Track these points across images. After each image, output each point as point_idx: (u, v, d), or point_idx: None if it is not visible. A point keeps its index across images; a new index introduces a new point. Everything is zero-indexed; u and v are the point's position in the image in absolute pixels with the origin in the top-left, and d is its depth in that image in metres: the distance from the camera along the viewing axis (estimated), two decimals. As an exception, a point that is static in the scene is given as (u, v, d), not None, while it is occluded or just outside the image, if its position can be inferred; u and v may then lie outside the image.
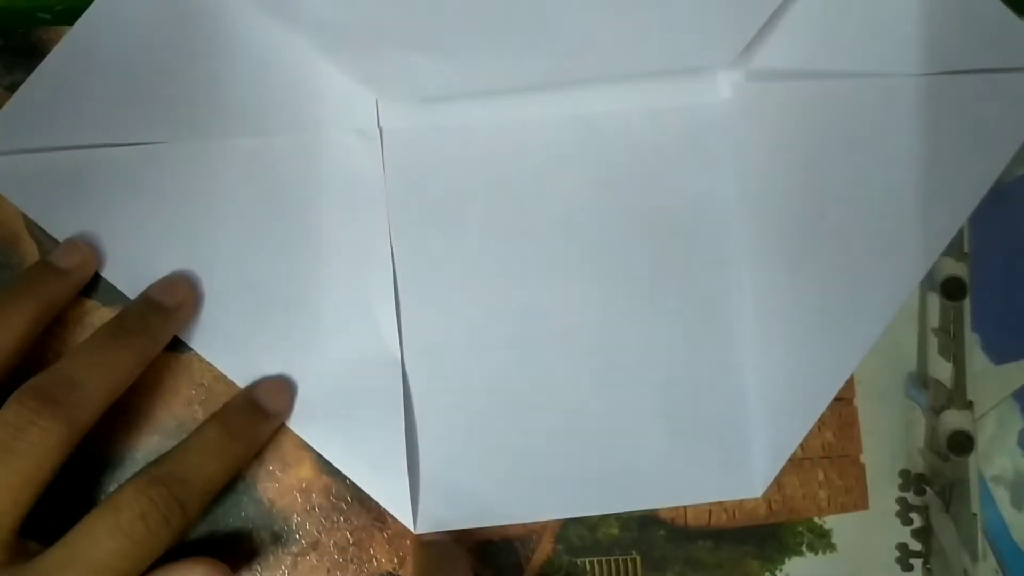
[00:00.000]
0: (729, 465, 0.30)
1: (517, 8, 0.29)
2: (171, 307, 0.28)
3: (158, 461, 0.26)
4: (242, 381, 0.30)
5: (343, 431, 0.29)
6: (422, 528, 0.30)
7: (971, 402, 0.31)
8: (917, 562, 0.30)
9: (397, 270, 0.30)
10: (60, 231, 0.30)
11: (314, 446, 0.30)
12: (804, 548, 0.31)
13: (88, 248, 0.29)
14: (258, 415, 0.28)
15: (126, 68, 0.30)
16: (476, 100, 0.30)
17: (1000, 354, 0.31)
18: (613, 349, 0.30)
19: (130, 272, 0.29)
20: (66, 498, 0.27)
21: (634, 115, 0.31)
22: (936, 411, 0.31)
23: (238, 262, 0.30)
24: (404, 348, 0.30)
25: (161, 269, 0.29)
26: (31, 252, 0.30)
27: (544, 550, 0.31)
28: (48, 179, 0.29)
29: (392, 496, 0.29)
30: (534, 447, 0.30)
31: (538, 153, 0.30)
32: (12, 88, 0.31)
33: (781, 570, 0.30)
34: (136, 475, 0.26)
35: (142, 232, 0.30)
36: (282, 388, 0.29)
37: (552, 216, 0.30)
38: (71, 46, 0.30)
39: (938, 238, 0.31)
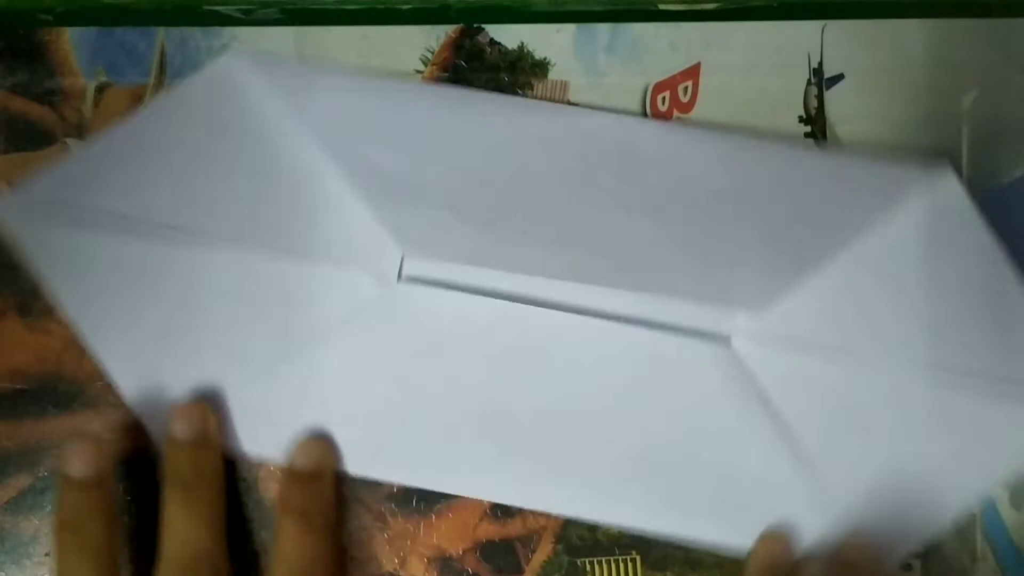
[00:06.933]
0: None
1: (564, 205, 0.30)
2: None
3: None
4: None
5: None
6: None
7: (970, 403, 0.31)
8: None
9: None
10: (61, 290, 0.30)
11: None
12: (803, 548, 0.31)
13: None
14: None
15: (177, 158, 0.30)
16: (497, 271, 0.30)
17: (999, 355, 0.31)
18: None
19: (127, 367, 0.30)
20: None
21: (643, 329, 0.30)
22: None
23: (227, 371, 0.30)
24: None
25: (153, 358, 0.30)
26: (33, 252, 0.30)
27: (544, 550, 0.31)
28: (68, 244, 0.30)
29: None
30: None
31: (537, 340, 0.30)
32: (14, 89, 0.31)
33: (780, 570, 0.30)
34: None
35: (141, 325, 0.30)
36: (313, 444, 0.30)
37: (538, 406, 0.30)
38: (136, 126, 0.30)
39: (917, 535, 0.30)
